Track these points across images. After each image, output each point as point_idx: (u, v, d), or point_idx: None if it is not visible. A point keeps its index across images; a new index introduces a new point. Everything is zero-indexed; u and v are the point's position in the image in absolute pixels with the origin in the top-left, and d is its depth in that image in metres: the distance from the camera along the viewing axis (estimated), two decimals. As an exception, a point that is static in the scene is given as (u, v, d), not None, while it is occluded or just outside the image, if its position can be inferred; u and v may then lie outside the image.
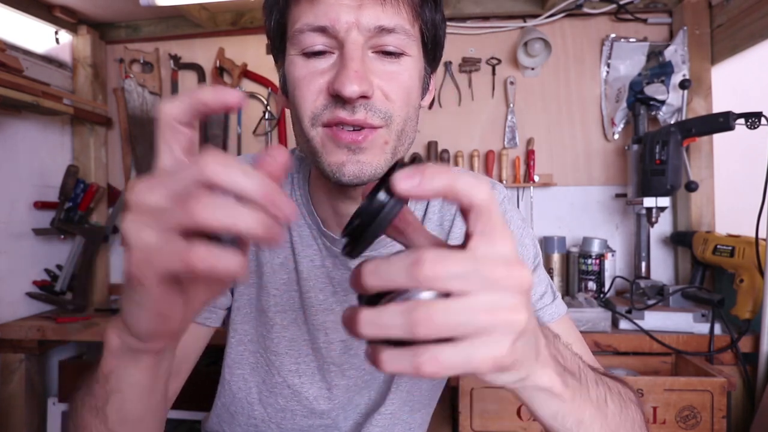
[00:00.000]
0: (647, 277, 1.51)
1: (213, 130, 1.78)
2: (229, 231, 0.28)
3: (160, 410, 0.47)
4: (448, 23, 0.64)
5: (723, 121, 1.27)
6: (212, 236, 0.29)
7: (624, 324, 1.28)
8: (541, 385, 0.36)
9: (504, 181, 1.64)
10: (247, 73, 1.75)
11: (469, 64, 1.67)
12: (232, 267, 0.28)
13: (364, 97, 0.52)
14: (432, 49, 0.60)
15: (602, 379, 0.47)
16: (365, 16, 0.52)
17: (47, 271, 1.62)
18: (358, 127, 0.53)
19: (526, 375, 0.34)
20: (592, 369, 0.47)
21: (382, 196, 0.30)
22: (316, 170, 0.63)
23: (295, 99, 0.55)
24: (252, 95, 1.77)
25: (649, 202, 1.40)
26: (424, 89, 0.62)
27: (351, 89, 0.50)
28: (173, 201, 0.28)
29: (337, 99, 0.52)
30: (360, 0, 0.52)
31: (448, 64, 1.68)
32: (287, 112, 1.75)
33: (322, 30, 0.52)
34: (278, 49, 0.60)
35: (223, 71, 1.77)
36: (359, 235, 0.31)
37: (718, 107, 1.53)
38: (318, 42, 0.53)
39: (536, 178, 1.64)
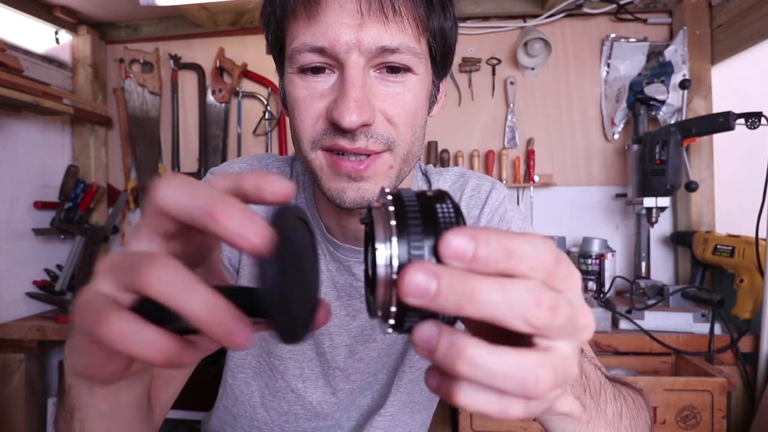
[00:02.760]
0: (647, 277, 1.51)
1: (213, 131, 1.78)
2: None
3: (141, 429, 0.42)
4: None
5: (723, 121, 1.27)
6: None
7: (624, 324, 1.28)
8: (562, 410, 0.36)
9: (504, 181, 1.64)
10: (247, 73, 1.75)
11: (469, 64, 1.67)
12: (150, 351, 0.24)
13: (364, 125, 0.49)
14: (442, 60, 0.57)
15: (619, 390, 0.47)
16: (366, 36, 0.48)
17: (47, 271, 1.62)
18: (360, 154, 0.51)
19: (553, 405, 0.34)
20: (610, 380, 0.47)
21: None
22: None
23: (294, 121, 0.53)
24: (252, 95, 1.77)
25: (649, 202, 1.40)
26: (432, 102, 0.60)
27: (350, 120, 0.47)
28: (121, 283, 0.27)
29: (336, 126, 0.50)
30: (360, 18, 0.48)
31: (448, 69, 1.68)
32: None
33: (321, 51, 0.49)
34: (278, 61, 0.58)
35: (223, 71, 1.77)
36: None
37: (718, 107, 1.53)
38: (316, 61, 0.50)
39: (536, 178, 1.64)
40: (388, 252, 0.24)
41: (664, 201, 1.39)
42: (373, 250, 0.24)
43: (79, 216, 1.63)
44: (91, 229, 1.64)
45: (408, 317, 0.24)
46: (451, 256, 0.23)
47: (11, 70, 1.35)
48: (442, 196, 0.26)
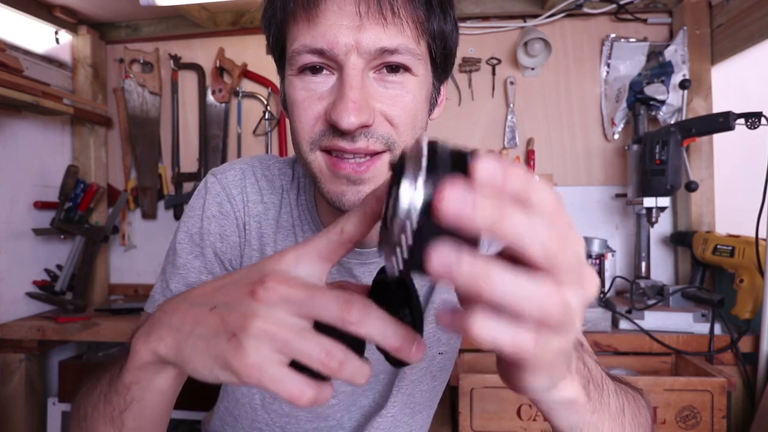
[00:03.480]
0: (647, 277, 1.51)
1: (213, 131, 1.78)
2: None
3: (170, 413, 0.47)
4: None
5: (723, 121, 1.27)
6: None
7: (624, 324, 1.28)
8: (567, 396, 0.36)
9: (504, 181, 1.64)
10: (247, 73, 1.75)
11: (469, 64, 1.67)
12: (299, 396, 0.31)
13: (363, 126, 0.50)
14: (442, 62, 0.57)
15: (621, 387, 0.47)
16: (365, 38, 0.48)
17: (47, 271, 1.62)
18: (360, 155, 0.51)
19: (556, 384, 0.34)
20: (611, 377, 0.47)
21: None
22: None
23: (293, 122, 0.54)
24: (252, 95, 1.77)
25: (649, 202, 1.39)
26: (433, 105, 0.59)
27: (348, 121, 0.48)
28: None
29: (335, 128, 0.50)
30: (359, 20, 0.48)
31: (449, 72, 1.68)
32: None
33: (320, 52, 0.50)
34: (279, 63, 0.58)
35: (223, 71, 1.77)
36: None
37: (718, 107, 1.53)
38: (315, 61, 0.51)
39: (536, 179, 1.64)
40: (414, 187, 0.24)
41: (664, 201, 1.39)
42: (398, 183, 0.25)
43: (79, 216, 1.63)
44: (91, 229, 1.64)
45: (423, 249, 0.24)
46: (485, 178, 0.23)
47: (11, 70, 1.35)
48: (475, 152, 0.26)
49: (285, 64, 0.55)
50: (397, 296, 0.34)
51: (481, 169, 0.23)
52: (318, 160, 0.53)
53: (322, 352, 0.30)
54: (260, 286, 0.31)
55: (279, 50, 0.56)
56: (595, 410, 0.39)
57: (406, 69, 0.52)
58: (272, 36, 0.55)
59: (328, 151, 0.52)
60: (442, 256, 0.23)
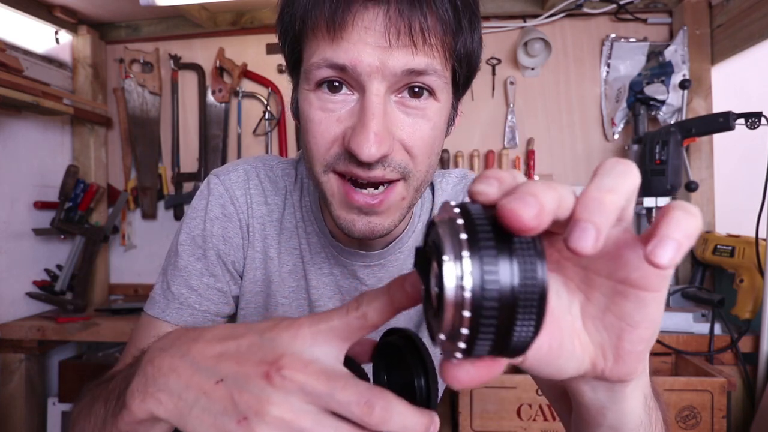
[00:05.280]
0: (647, 277, 1.51)
1: (213, 130, 1.78)
2: None
3: None
4: None
5: (723, 121, 1.27)
6: None
7: (624, 324, 1.27)
8: (644, 392, 0.35)
9: (504, 181, 1.64)
10: (247, 73, 1.75)
11: (469, 64, 1.67)
12: None
13: (382, 156, 0.48)
14: (464, 82, 0.55)
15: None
16: (392, 60, 0.46)
17: (47, 271, 1.62)
18: (374, 184, 0.50)
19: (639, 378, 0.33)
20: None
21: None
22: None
23: (307, 142, 0.51)
24: (252, 95, 1.77)
25: (649, 202, 1.40)
26: (450, 124, 0.58)
27: (369, 153, 0.46)
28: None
29: (352, 155, 0.47)
30: (387, 40, 0.45)
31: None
32: (287, 113, 1.75)
33: (342, 69, 0.47)
34: (292, 72, 0.56)
35: (223, 71, 1.77)
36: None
37: (718, 107, 1.53)
38: (335, 76, 0.48)
39: (536, 178, 1.64)
40: (458, 268, 0.22)
41: (664, 201, 1.39)
42: (440, 264, 0.22)
43: (79, 216, 1.63)
44: (91, 229, 1.64)
45: (481, 338, 0.23)
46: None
47: (11, 70, 1.35)
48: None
49: (299, 76, 0.52)
50: (408, 361, 0.32)
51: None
52: (331, 182, 0.52)
53: None
54: (276, 373, 0.29)
55: (293, 60, 0.53)
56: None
57: (430, 93, 0.49)
58: (287, 46, 0.52)
59: (341, 175, 0.51)
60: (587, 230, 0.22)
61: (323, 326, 0.30)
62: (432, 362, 0.32)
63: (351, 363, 0.33)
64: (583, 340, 0.29)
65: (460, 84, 0.55)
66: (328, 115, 0.49)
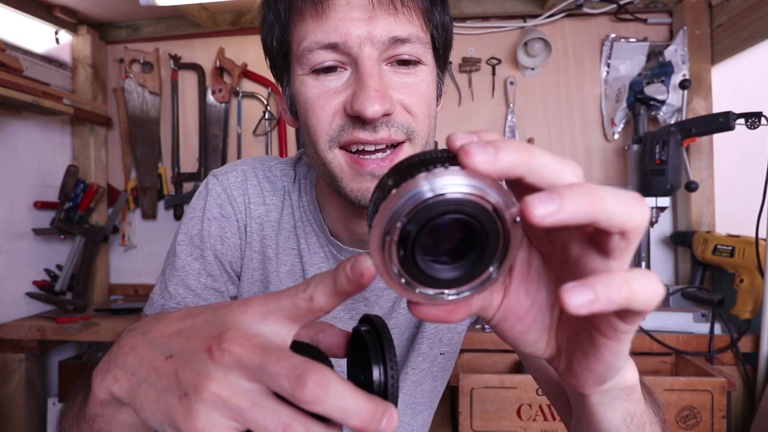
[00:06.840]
0: (647, 277, 1.51)
1: (213, 131, 1.79)
2: None
3: None
4: None
5: (723, 121, 1.27)
6: None
7: (624, 324, 1.27)
8: (630, 381, 0.35)
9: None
10: (247, 73, 1.75)
11: (469, 64, 1.67)
12: None
13: (385, 114, 0.50)
14: (443, 53, 0.58)
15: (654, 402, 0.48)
16: (378, 29, 0.49)
17: (47, 271, 1.62)
18: (381, 146, 0.51)
19: (624, 363, 0.33)
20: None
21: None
22: (328, 185, 0.60)
23: (309, 121, 0.53)
24: (252, 95, 1.77)
25: (649, 201, 1.39)
26: (438, 95, 0.60)
27: (373, 109, 0.47)
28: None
29: (356, 119, 0.50)
30: (370, 11, 0.49)
31: (448, 64, 1.68)
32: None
33: (333, 47, 0.49)
34: (281, 68, 0.57)
35: (223, 71, 1.77)
36: None
37: (718, 107, 1.53)
38: (329, 59, 0.50)
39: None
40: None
41: (664, 201, 1.39)
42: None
43: (79, 216, 1.63)
44: (91, 229, 1.64)
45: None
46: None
47: (11, 70, 1.35)
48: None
49: (291, 66, 0.54)
50: (370, 351, 0.31)
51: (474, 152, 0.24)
52: (338, 158, 0.52)
53: (278, 425, 0.27)
54: (217, 346, 0.28)
55: (283, 52, 0.55)
56: (643, 398, 0.39)
57: (417, 62, 0.52)
58: (274, 38, 0.55)
59: (347, 149, 0.52)
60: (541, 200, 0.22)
61: (272, 305, 0.29)
62: (393, 351, 0.31)
63: (319, 355, 0.32)
64: (546, 325, 0.30)
65: (440, 55, 0.57)
66: (326, 90, 0.51)
